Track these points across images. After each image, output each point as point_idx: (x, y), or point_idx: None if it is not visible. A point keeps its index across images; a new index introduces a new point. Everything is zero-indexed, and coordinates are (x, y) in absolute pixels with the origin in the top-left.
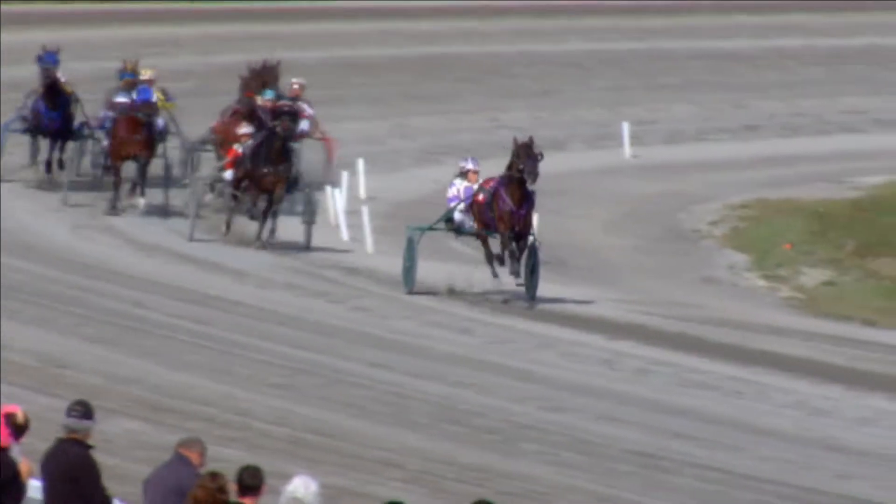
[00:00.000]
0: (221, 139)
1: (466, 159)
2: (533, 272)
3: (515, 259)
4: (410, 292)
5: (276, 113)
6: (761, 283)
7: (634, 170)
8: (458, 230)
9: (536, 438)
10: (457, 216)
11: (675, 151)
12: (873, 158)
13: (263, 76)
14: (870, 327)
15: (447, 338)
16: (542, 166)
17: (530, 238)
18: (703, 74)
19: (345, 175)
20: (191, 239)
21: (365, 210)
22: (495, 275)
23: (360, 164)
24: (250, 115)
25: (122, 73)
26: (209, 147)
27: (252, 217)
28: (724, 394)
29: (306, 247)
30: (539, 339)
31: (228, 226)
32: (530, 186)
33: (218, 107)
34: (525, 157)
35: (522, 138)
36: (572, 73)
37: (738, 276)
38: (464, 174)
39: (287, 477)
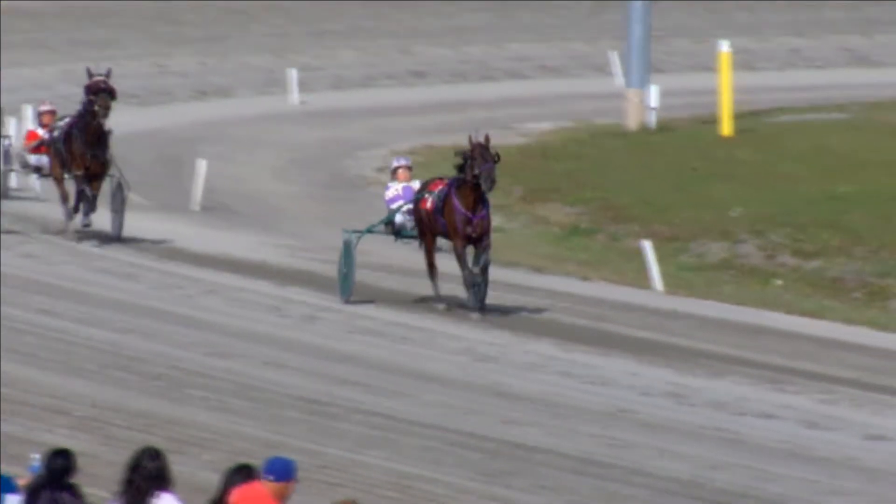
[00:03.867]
0: None
1: (398, 158)
2: (482, 279)
3: (470, 288)
4: (347, 301)
5: (94, 90)
6: None
7: (301, 116)
8: (398, 233)
9: (203, 385)
10: (398, 218)
11: (342, 98)
12: (540, 105)
13: None
14: (537, 273)
15: (113, 284)
16: (209, 112)
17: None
18: (368, 21)
19: (13, 122)
20: None
21: (33, 158)
22: (437, 293)
23: (29, 110)
24: None
25: None
26: None
27: (78, 208)
28: (390, 340)
29: (117, 237)
30: (206, 285)
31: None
32: (485, 192)
33: None
34: (481, 160)
35: (477, 137)
36: (237, 20)
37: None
38: (393, 171)
39: None
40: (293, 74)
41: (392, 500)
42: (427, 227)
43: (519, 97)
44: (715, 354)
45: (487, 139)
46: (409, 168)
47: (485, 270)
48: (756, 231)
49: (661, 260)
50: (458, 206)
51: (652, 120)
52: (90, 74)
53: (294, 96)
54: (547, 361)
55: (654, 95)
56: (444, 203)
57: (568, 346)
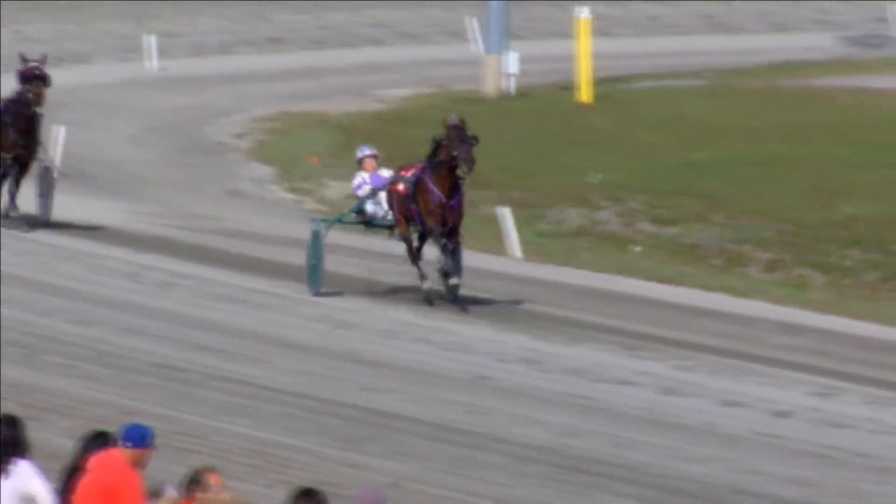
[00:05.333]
0: None
1: (362, 148)
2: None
3: (448, 255)
4: (317, 294)
5: (27, 76)
6: (287, 195)
7: (160, 83)
8: (369, 223)
9: (61, 351)
10: (369, 207)
11: (201, 64)
12: (398, 71)
13: None
14: (394, 239)
15: None
16: (67, 79)
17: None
18: None
19: None
20: None
21: None
22: (423, 277)
23: None
24: None
25: None
26: None
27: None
28: (248, 307)
29: (45, 223)
30: (64, 251)
31: None
32: (463, 175)
33: None
34: (458, 141)
35: (451, 119)
36: None
37: (263, 188)
38: (360, 161)
39: None
40: (152, 41)
41: (250, 466)
42: (399, 212)
43: (377, 63)
44: (572, 321)
45: (463, 121)
46: (374, 157)
47: (457, 269)
48: (614, 198)
49: (520, 227)
50: (434, 189)
51: (511, 86)
52: (24, 60)
53: (153, 63)
54: (405, 328)
55: (512, 62)
56: (416, 187)
57: (426, 312)
